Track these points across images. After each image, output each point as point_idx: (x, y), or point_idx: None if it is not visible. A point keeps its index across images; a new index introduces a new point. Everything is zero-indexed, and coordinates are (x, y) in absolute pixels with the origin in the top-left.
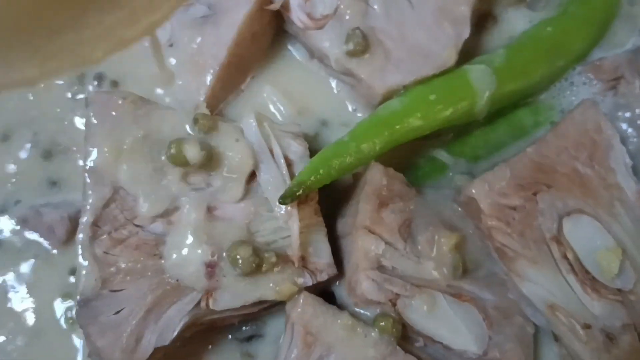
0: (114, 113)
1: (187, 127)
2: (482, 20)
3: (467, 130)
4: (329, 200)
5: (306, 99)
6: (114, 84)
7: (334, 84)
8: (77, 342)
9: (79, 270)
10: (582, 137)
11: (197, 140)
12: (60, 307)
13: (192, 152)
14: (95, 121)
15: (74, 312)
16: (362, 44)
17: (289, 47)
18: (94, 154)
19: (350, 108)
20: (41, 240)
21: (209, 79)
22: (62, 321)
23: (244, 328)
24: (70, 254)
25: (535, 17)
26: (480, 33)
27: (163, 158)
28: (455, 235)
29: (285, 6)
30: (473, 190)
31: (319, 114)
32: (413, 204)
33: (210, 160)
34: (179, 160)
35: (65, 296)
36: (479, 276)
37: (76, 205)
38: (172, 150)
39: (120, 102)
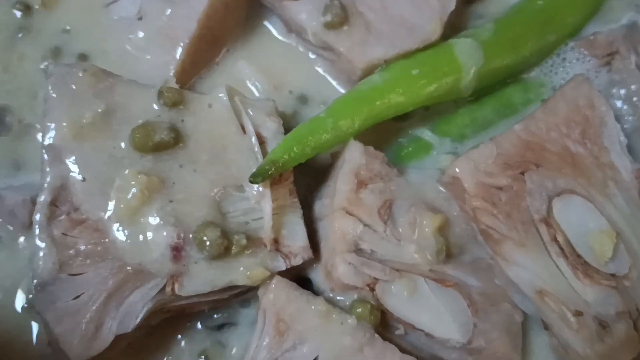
0: (74, 86)
1: (153, 104)
2: None
3: (453, 108)
4: (308, 181)
5: (284, 75)
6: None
7: (313, 59)
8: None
9: (36, 253)
10: (574, 114)
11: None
12: (21, 296)
13: None
14: (54, 95)
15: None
16: (341, 15)
17: (265, 22)
18: (52, 130)
19: (331, 84)
20: (3, 224)
21: (179, 52)
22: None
23: (214, 316)
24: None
25: None
26: (469, 6)
27: (123, 145)
28: (439, 217)
29: None
30: (457, 169)
31: (297, 90)
32: (394, 185)
33: (177, 141)
34: (143, 148)
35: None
36: (463, 261)
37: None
38: (136, 138)
39: (80, 74)
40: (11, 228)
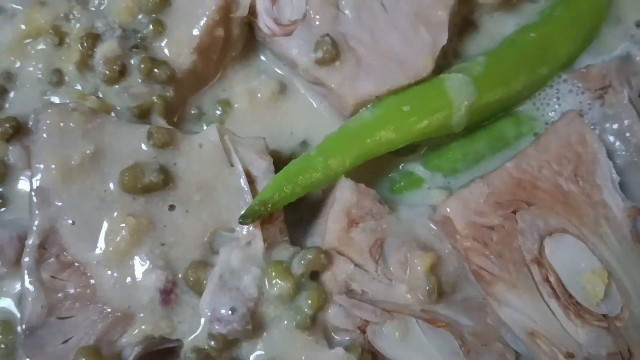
0: (62, 125)
1: (143, 145)
2: (464, 25)
3: (445, 142)
4: (299, 217)
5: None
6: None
7: (307, 94)
8: None
9: (24, 296)
10: (566, 151)
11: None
12: None
13: None
14: (44, 135)
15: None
16: (332, 51)
17: (261, 56)
18: (40, 172)
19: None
20: None
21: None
22: None
23: None
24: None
25: (523, 21)
26: (462, 39)
27: (110, 186)
28: (430, 256)
29: (253, 12)
30: (448, 209)
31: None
32: (385, 223)
33: (167, 182)
34: (132, 190)
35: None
36: (455, 300)
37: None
38: (125, 180)
39: (69, 114)
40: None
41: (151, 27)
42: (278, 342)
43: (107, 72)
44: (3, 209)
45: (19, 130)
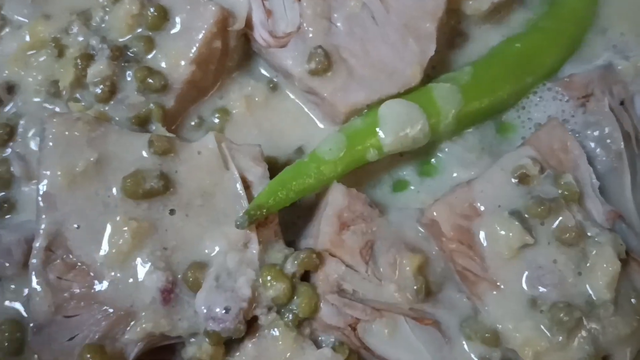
0: (67, 133)
1: (144, 152)
2: (453, 36)
3: (433, 147)
4: (293, 220)
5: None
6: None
7: (302, 103)
8: None
9: (32, 296)
10: (548, 157)
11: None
12: None
13: None
14: (50, 144)
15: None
16: (324, 62)
17: (258, 65)
18: (47, 178)
19: (319, 127)
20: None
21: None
22: None
23: None
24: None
25: (509, 32)
26: (451, 50)
27: (114, 192)
28: (418, 257)
29: (249, 24)
30: (434, 213)
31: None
32: (376, 225)
33: (168, 187)
34: (134, 195)
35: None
36: (442, 298)
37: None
38: (127, 186)
39: (74, 123)
40: (7, 265)
41: (143, 43)
42: (269, 341)
43: (99, 92)
44: (9, 215)
45: (12, 136)
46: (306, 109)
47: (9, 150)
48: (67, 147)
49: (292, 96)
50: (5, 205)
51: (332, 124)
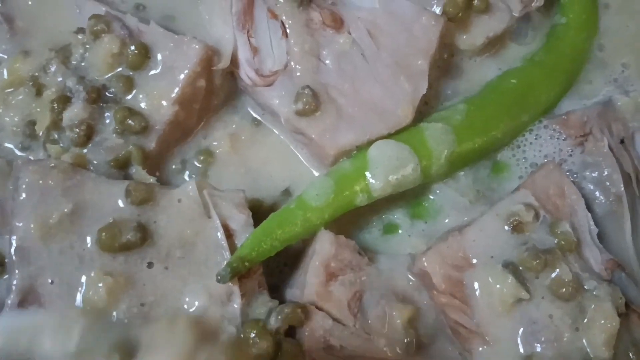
0: (41, 182)
1: (120, 201)
2: (446, 69)
3: (425, 190)
4: (279, 266)
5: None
6: None
7: (289, 143)
8: None
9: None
10: (544, 202)
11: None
12: None
13: None
14: (23, 194)
15: None
16: (312, 103)
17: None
18: (20, 230)
19: (307, 167)
20: None
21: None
22: None
23: None
24: None
25: (505, 66)
26: (444, 82)
27: (89, 244)
28: (409, 309)
29: (235, 62)
30: (425, 263)
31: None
32: (365, 275)
33: (145, 239)
34: (110, 248)
35: None
36: (434, 352)
37: None
38: (103, 239)
39: (49, 172)
40: None
41: (122, 84)
42: None
43: (74, 137)
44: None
45: None
46: (293, 149)
47: None
48: (41, 197)
49: (279, 135)
50: None
51: (320, 164)
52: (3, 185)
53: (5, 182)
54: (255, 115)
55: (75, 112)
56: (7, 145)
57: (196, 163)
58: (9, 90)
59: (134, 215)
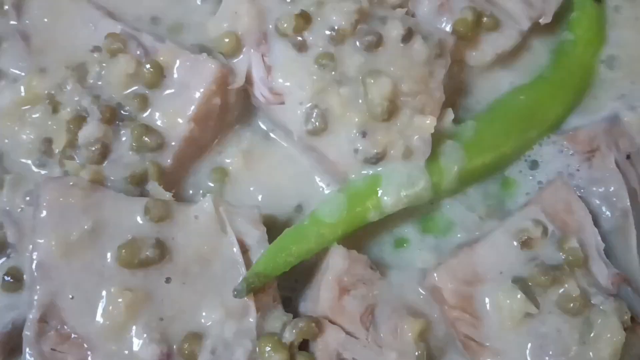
0: (62, 200)
1: (138, 218)
2: (456, 85)
3: (436, 205)
4: (292, 282)
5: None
6: None
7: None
8: None
9: None
10: (552, 219)
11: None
12: None
13: None
14: (43, 211)
15: None
16: (321, 122)
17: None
18: (41, 247)
19: (319, 183)
20: None
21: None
22: None
23: None
24: None
25: (517, 80)
26: (454, 98)
27: (108, 260)
28: (420, 322)
29: (249, 80)
30: (436, 278)
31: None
32: (377, 289)
33: (163, 255)
34: (129, 265)
35: None
36: None
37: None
38: (122, 256)
39: (69, 190)
40: None
41: (137, 101)
42: None
43: (90, 155)
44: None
45: None
46: (306, 164)
47: None
48: (62, 214)
49: (292, 151)
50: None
51: (332, 180)
52: (15, 199)
53: (15, 195)
54: (268, 131)
55: (90, 131)
56: (23, 160)
57: (210, 180)
58: (25, 107)
59: (153, 232)
